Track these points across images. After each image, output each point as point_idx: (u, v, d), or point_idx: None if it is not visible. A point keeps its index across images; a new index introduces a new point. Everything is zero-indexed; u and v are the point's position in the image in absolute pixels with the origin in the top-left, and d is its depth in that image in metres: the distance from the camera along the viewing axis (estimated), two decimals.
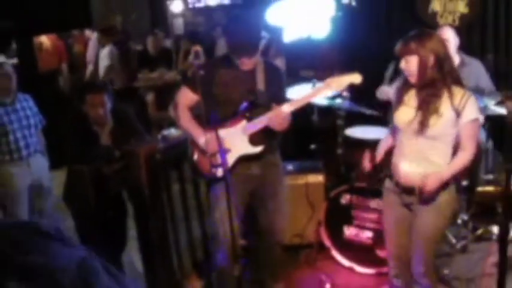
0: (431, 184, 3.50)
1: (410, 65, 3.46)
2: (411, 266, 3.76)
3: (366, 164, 3.95)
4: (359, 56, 4.33)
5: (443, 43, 3.57)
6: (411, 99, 3.61)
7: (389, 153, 3.92)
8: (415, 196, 3.57)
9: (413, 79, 3.52)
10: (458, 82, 3.52)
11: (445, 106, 3.44)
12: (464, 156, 3.51)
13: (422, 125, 3.47)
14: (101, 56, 9.22)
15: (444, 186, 3.53)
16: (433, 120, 3.44)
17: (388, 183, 3.86)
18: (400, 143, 3.70)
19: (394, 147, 3.81)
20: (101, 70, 9.15)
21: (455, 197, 3.66)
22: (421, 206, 3.60)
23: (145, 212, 5.04)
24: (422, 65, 3.43)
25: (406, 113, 3.58)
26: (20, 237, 1.05)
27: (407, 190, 3.64)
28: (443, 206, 3.59)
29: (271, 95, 4.26)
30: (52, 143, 5.63)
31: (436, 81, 3.45)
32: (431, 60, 3.41)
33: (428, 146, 3.54)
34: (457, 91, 3.46)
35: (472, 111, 3.45)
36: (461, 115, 3.43)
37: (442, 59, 3.45)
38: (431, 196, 3.53)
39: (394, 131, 3.83)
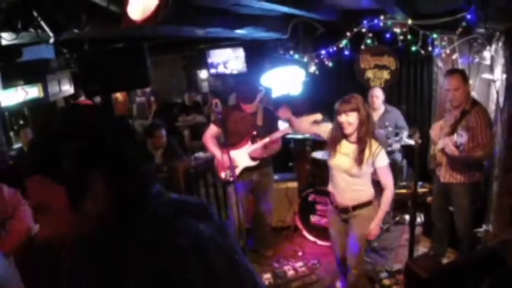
0: (375, 230, 3.39)
1: (350, 118, 3.20)
2: (348, 260, 3.55)
3: None
4: (319, 106, 4.43)
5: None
6: (343, 148, 3.35)
7: None
8: (349, 213, 3.42)
9: (350, 130, 3.26)
10: (373, 136, 3.30)
11: (367, 155, 3.24)
12: (388, 194, 3.35)
13: (357, 170, 3.26)
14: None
15: (369, 203, 3.38)
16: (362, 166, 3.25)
17: (329, 207, 3.67)
18: (335, 180, 3.45)
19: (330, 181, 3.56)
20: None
21: (375, 209, 3.38)
22: (354, 220, 3.42)
23: None
24: (360, 119, 3.21)
25: (342, 161, 3.33)
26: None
27: (343, 210, 3.46)
28: (370, 217, 3.38)
29: (267, 128, 4.35)
30: None
31: (366, 136, 3.23)
32: (364, 116, 3.21)
33: (355, 181, 3.32)
34: (373, 143, 3.26)
35: (383, 160, 3.27)
36: (375, 162, 3.25)
37: (370, 115, 3.26)
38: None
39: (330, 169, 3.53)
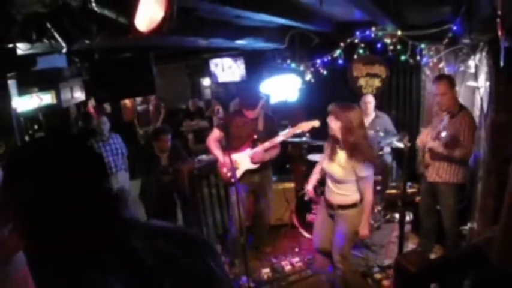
0: (364, 231, 3.39)
1: (332, 123, 3.27)
2: (332, 255, 3.52)
3: (310, 191, 3.84)
4: (315, 112, 4.43)
5: (361, 117, 3.30)
6: (338, 158, 3.37)
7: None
8: (334, 211, 3.46)
9: (332, 133, 3.30)
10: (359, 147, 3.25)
11: (350, 163, 3.27)
12: (368, 202, 3.36)
13: (340, 176, 3.33)
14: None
15: (354, 205, 3.39)
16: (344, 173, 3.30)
17: (322, 198, 3.72)
18: (327, 181, 3.54)
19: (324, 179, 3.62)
20: None
21: (361, 211, 3.39)
22: (339, 218, 3.46)
23: (187, 204, 5.13)
24: (341, 127, 3.23)
25: (336, 170, 3.36)
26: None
27: (330, 206, 3.51)
28: (354, 218, 3.40)
29: (267, 133, 4.34)
30: (130, 164, 5.67)
31: (351, 145, 3.22)
32: (346, 127, 3.20)
33: (341, 185, 3.36)
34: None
35: (362, 171, 3.27)
36: (356, 171, 3.28)
37: (354, 128, 3.21)
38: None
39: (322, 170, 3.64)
